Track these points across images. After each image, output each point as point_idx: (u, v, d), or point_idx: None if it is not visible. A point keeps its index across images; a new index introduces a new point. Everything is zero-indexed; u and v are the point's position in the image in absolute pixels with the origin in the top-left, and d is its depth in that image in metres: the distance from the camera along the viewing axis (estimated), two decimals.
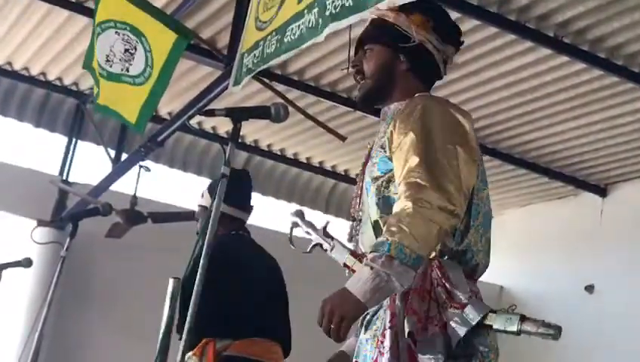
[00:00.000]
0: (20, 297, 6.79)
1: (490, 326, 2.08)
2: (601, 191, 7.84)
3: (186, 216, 6.40)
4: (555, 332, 2.00)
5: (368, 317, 2.32)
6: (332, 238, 2.50)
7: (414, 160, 2.21)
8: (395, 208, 2.18)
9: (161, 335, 2.86)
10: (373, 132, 7.26)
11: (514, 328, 2.04)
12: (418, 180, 2.16)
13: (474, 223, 2.29)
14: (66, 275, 4.07)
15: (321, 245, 2.52)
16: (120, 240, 6.27)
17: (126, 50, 5.06)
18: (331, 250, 2.47)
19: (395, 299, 2.21)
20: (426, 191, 2.13)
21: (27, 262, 5.17)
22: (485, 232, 2.35)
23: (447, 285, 2.15)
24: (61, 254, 3.96)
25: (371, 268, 2.08)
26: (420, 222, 2.09)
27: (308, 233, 2.59)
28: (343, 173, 8.30)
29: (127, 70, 5.06)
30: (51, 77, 7.27)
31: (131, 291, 6.99)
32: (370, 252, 2.13)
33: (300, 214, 2.66)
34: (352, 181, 7.75)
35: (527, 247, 8.52)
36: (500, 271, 8.44)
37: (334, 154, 7.99)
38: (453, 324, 2.10)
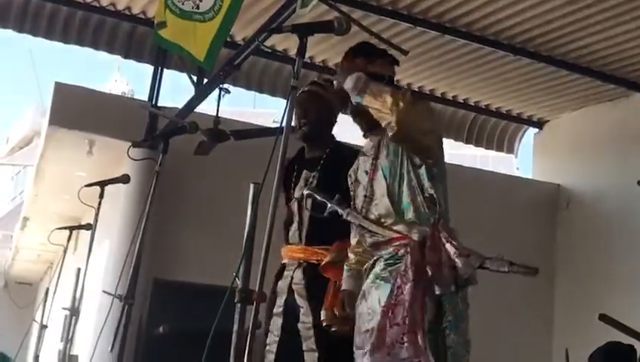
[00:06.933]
0: (119, 210, 6.94)
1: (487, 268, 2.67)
2: None
3: (264, 132, 6.41)
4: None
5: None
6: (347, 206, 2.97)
7: None
8: None
9: (245, 237, 2.84)
10: (433, 46, 7.11)
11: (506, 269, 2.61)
12: None
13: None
14: (161, 188, 4.09)
15: (336, 211, 2.97)
16: (207, 157, 6.33)
17: None
18: (347, 215, 2.93)
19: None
20: None
21: (126, 178, 5.25)
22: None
23: (455, 242, 2.73)
24: (155, 169, 3.96)
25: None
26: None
27: (323, 202, 3.02)
28: (405, 86, 8.16)
29: (198, 7, 4.98)
30: (136, 11, 7.27)
31: (218, 200, 7.08)
32: None
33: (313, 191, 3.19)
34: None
35: (582, 147, 8.33)
36: (557, 170, 8.31)
37: (397, 68, 7.83)
38: (461, 266, 2.68)
